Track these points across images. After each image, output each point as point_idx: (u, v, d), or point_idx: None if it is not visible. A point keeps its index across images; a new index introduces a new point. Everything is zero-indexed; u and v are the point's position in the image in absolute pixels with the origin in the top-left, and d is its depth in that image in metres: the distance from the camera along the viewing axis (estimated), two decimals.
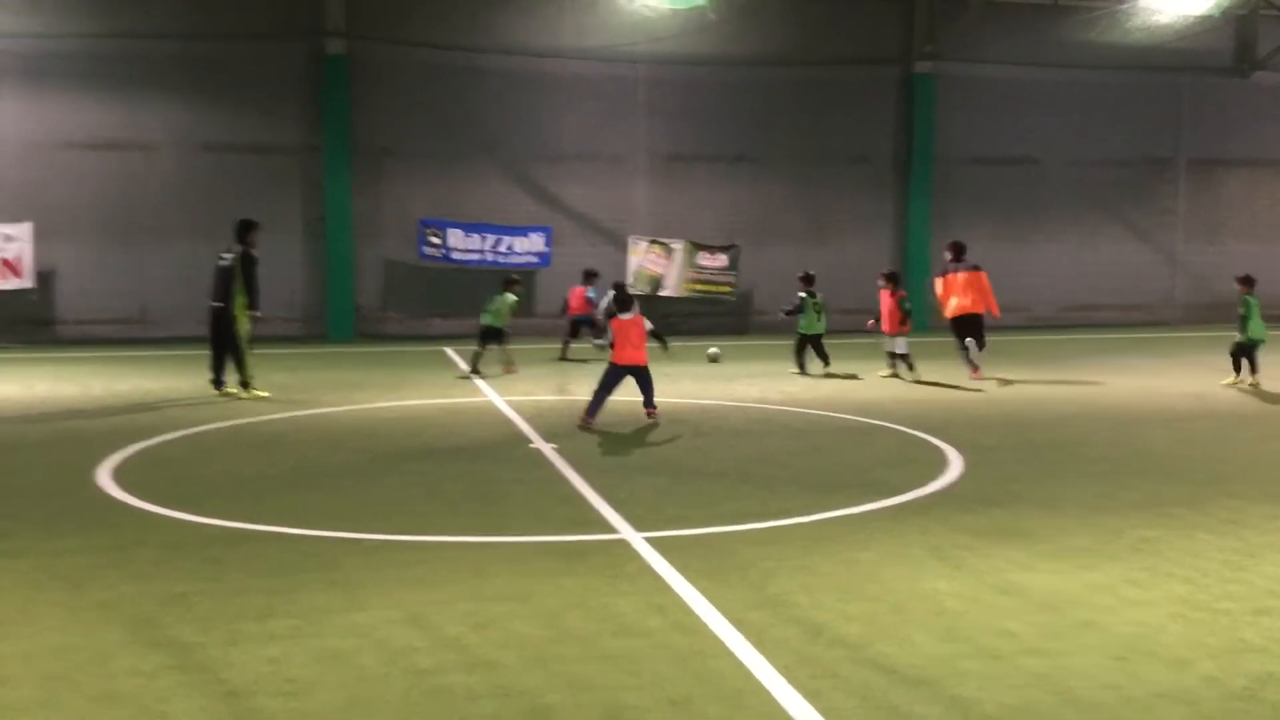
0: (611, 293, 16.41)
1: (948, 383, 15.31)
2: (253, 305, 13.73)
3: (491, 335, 16.34)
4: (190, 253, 21.96)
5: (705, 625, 5.43)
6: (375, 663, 4.96)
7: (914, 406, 13.11)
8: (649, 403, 12.01)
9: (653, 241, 24.94)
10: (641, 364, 11.95)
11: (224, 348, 13.85)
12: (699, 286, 25.13)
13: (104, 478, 8.91)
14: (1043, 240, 26.73)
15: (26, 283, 21.95)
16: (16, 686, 4.64)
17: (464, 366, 17.01)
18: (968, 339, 15.78)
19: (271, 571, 6.36)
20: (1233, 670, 4.85)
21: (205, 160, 23.25)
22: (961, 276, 15.85)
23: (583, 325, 19.45)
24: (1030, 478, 9.02)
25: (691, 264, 25.02)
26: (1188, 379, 15.75)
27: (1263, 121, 27.67)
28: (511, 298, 16.66)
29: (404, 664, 4.94)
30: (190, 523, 7.49)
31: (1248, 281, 14.82)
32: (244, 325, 13.69)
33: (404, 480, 9.00)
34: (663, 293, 24.97)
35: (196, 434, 11.22)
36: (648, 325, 12.09)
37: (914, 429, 11.39)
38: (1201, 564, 6.49)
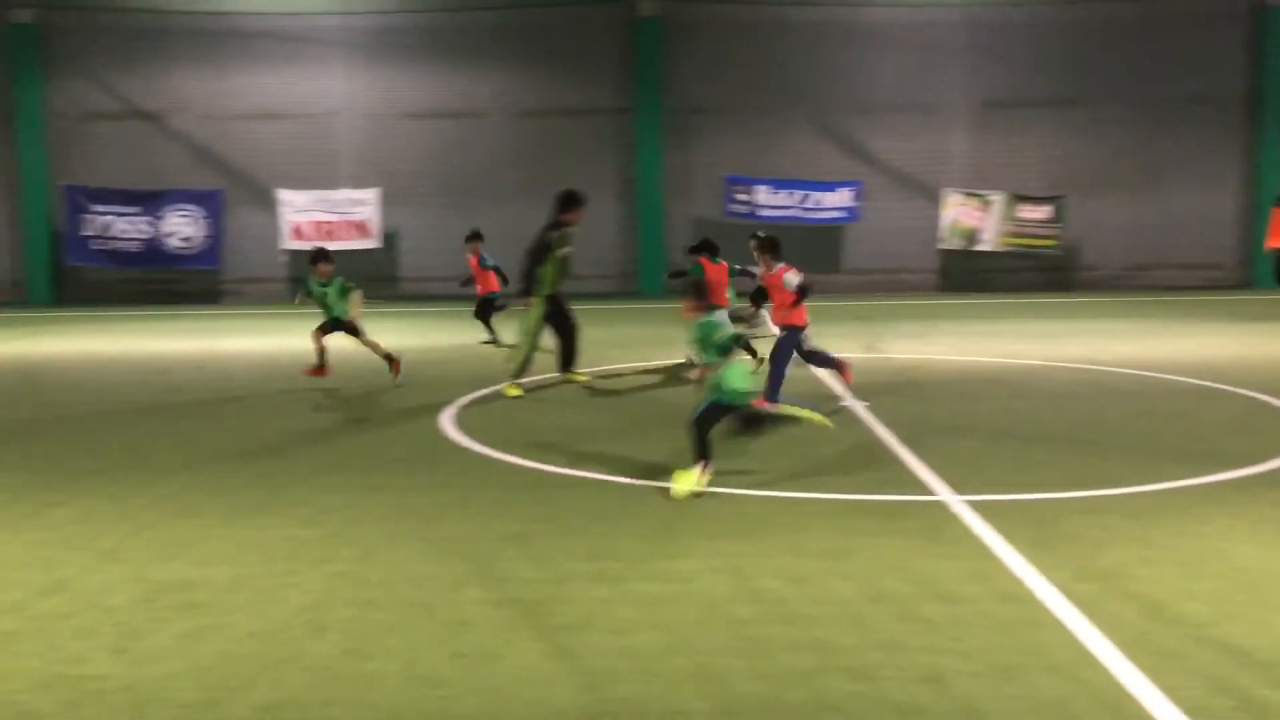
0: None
1: None
2: (525, 290, 11.43)
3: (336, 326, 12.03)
4: (516, 214, 23.24)
5: (1032, 594, 5.23)
6: (694, 609, 5.12)
7: (1259, 368, 11.97)
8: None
9: (968, 194, 23.99)
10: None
11: (561, 332, 11.88)
12: (1019, 240, 23.96)
13: (446, 423, 9.66)
14: None
15: (374, 243, 24.05)
16: (382, 609, 5.15)
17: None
18: None
19: (597, 516, 6.68)
20: None
21: (528, 125, 24.49)
22: None
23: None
24: None
25: (1011, 216, 23.88)
26: None
27: None
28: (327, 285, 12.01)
29: (723, 612, 5.07)
30: (523, 467, 7.98)
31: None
32: (533, 315, 11.44)
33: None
34: (978, 247, 24.01)
35: (526, 384, 11.90)
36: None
37: (1260, 393, 10.41)
38: None
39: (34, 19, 24.06)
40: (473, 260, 15.87)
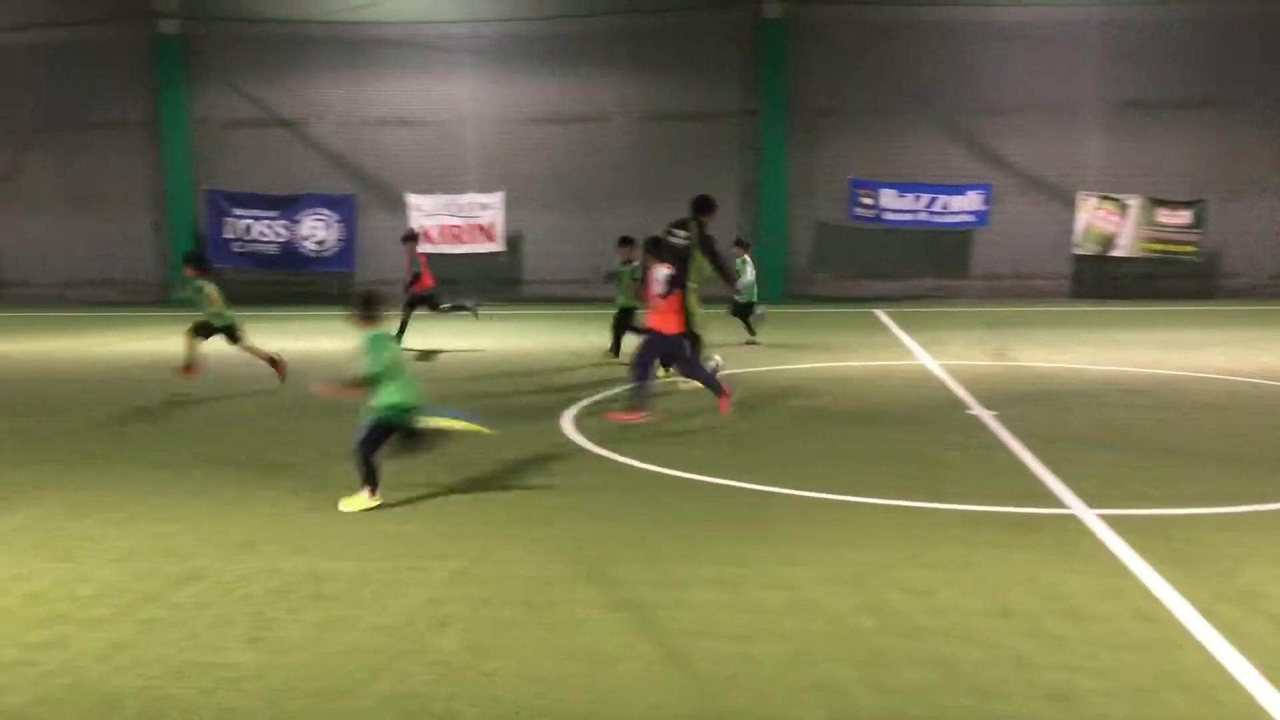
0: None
1: None
2: (728, 280, 12.55)
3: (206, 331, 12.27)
4: (637, 218, 23.34)
5: (1169, 613, 5.02)
6: (813, 619, 5.05)
7: None
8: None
9: (1104, 198, 23.22)
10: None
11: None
12: (1156, 246, 23.09)
13: (567, 424, 9.75)
14: None
15: (498, 246, 24.45)
16: (502, 607, 5.22)
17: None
18: None
19: (715, 521, 6.65)
20: None
21: (651, 129, 24.59)
22: None
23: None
24: None
25: (1149, 221, 23.03)
26: None
27: None
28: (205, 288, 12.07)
29: (843, 623, 5.00)
30: (641, 470, 8.01)
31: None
32: (696, 308, 11.75)
33: (836, 441, 9.06)
34: (1114, 253, 23.22)
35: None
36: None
37: None
38: None
39: (180, 30, 25.15)
40: (408, 261, 16.08)
